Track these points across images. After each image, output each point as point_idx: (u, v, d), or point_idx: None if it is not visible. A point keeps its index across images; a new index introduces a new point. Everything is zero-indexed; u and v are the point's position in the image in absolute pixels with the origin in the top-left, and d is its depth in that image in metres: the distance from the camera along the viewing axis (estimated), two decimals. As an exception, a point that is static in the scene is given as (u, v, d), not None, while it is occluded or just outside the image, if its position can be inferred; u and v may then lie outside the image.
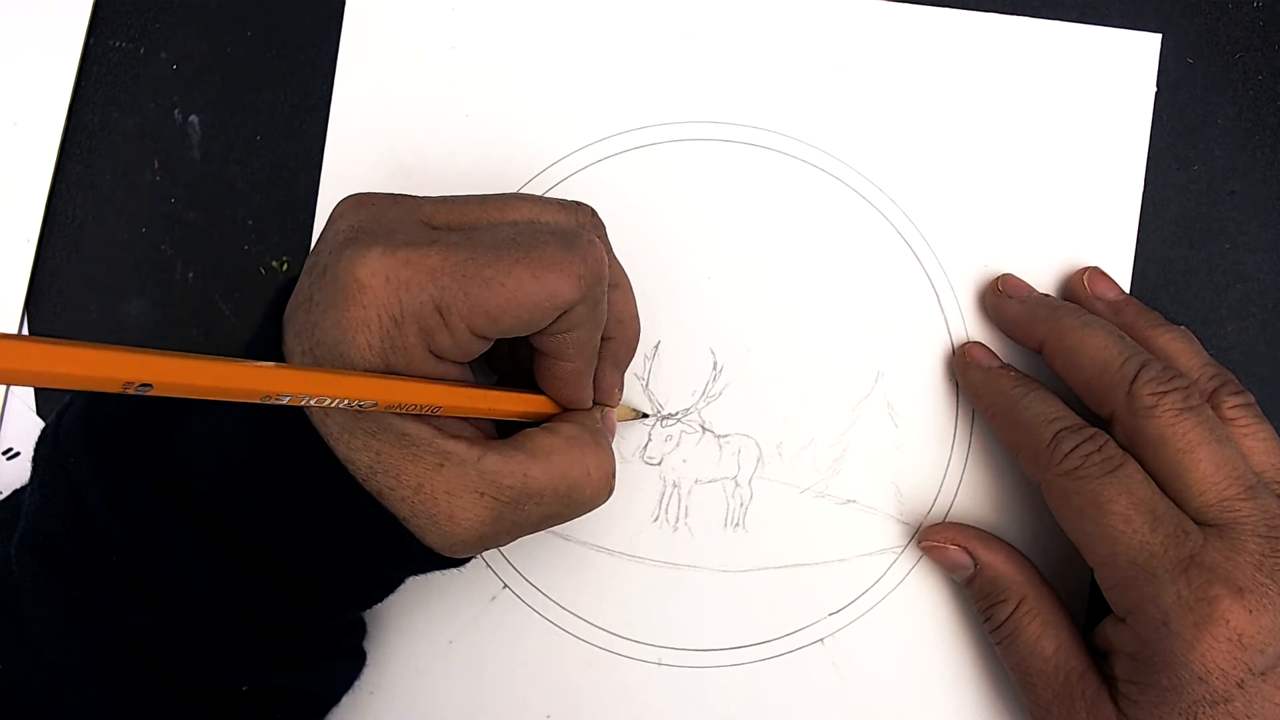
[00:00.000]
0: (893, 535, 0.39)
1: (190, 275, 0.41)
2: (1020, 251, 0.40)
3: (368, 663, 0.38)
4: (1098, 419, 0.35)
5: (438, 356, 0.29)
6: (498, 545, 0.32)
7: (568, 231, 0.30)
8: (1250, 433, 0.35)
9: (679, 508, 0.39)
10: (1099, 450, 0.33)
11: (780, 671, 0.38)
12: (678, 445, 0.39)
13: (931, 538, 0.38)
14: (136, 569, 0.30)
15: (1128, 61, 0.41)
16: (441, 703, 0.38)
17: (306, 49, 0.42)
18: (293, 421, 0.29)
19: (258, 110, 0.42)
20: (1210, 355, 0.37)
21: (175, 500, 0.30)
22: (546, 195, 0.37)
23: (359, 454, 0.28)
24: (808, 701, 0.38)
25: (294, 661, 0.33)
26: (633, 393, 0.40)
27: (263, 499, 0.30)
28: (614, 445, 0.39)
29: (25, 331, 0.41)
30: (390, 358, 0.28)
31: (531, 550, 0.39)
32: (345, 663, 0.36)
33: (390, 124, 0.41)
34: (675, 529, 0.39)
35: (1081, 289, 0.39)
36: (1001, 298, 0.39)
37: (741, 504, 0.39)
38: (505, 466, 0.30)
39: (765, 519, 0.39)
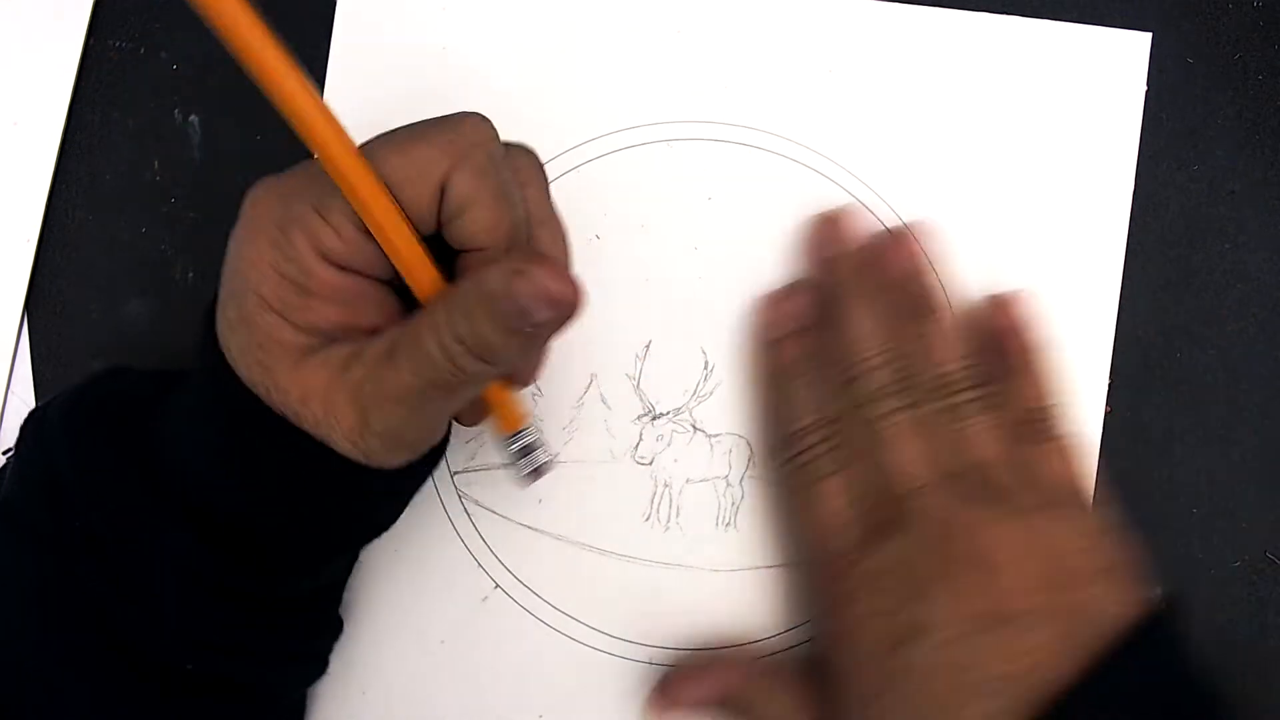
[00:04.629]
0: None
1: (190, 275, 0.41)
2: (1012, 249, 0.40)
3: (359, 662, 0.38)
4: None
5: (333, 263, 0.28)
6: (404, 441, 0.30)
7: (442, 117, 0.29)
8: (979, 427, 0.35)
9: (670, 507, 0.39)
10: (822, 456, 0.35)
11: (772, 672, 0.38)
12: (669, 445, 0.39)
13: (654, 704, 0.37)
14: (100, 538, 0.30)
15: (1119, 61, 0.41)
16: (433, 703, 0.39)
17: (306, 49, 0.42)
18: (219, 368, 0.29)
19: (258, 110, 0.42)
20: (1001, 338, 0.37)
21: (140, 469, 0.30)
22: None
23: (257, 374, 0.28)
24: (800, 703, 0.38)
25: (250, 653, 0.32)
26: (624, 392, 0.40)
27: (201, 449, 0.30)
28: (607, 447, 0.39)
29: (25, 332, 0.41)
30: (283, 267, 0.28)
31: (524, 550, 0.39)
32: (302, 668, 0.36)
33: (381, 124, 0.40)
34: (667, 528, 0.39)
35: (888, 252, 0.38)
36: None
37: (733, 503, 0.39)
38: (379, 356, 0.28)
39: (757, 518, 0.39)
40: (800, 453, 0.35)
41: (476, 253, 0.29)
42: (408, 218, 0.28)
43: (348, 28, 0.41)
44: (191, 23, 0.42)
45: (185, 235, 0.41)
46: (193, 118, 0.42)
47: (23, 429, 0.33)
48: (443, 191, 0.28)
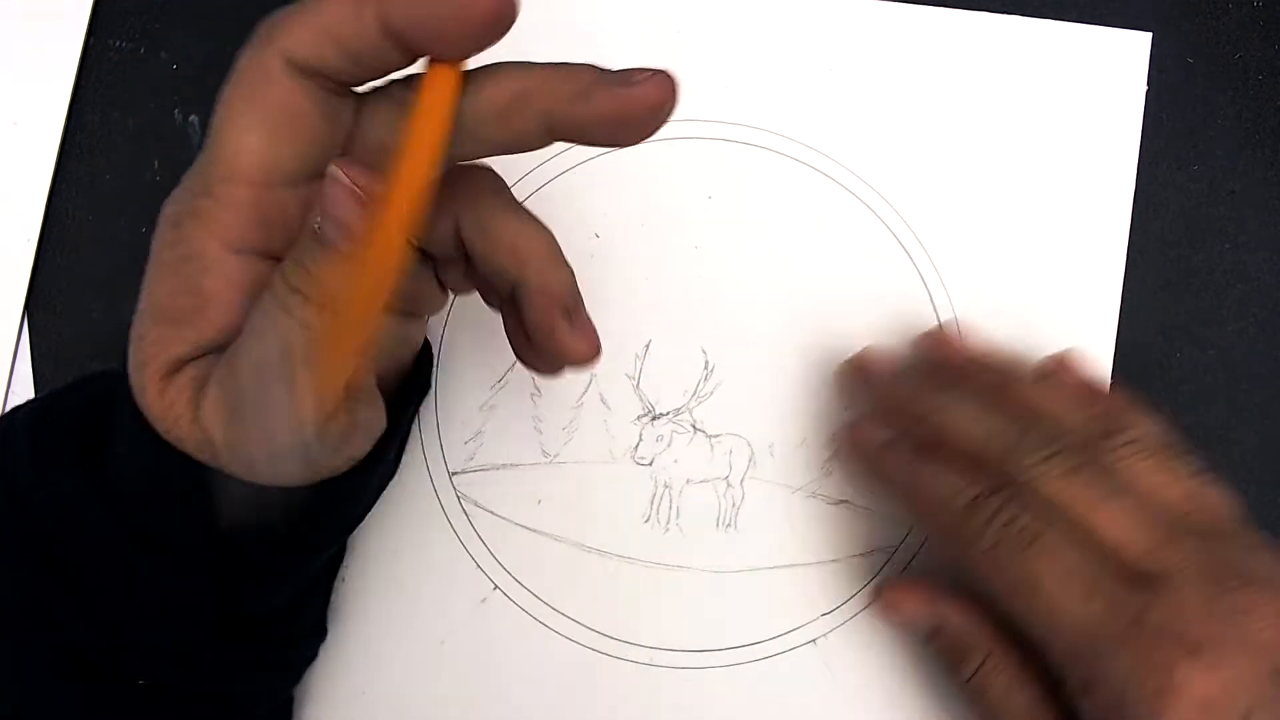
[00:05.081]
0: (885, 536, 0.39)
1: (190, 275, 0.41)
2: (1013, 249, 0.40)
3: (357, 663, 0.38)
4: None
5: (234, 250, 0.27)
6: (275, 429, 0.26)
7: None
8: (1146, 469, 0.32)
9: (670, 508, 0.39)
10: (1014, 521, 0.31)
11: (773, 672, 0.38)
12: (669, 445, 0.39)
13: (888, 598, 0.36)
14: (62, 555, 0.29)
15: (1119, 61, 0.41)
16: (432, 704, 0.38)
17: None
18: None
19: (256, 111, 0.42)
20: (1090, 387, 0.35)
21: (96, 484, 0.29)
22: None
23: (137, 396, 0.27)
24: (800, 702, 0.38)
25: (220, 665, 0.31)
26: (624, 392, 0.40)
27: (139, 468, 0.28)
28: (607, 447, 0.39)
29: (25, 332, 0.41)
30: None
31: (522, 552, 0.39)
32: (269, 676, 0.34)
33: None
34: (667, 530, 0.39)
35: (937, 352, 0.37)
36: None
37: (733, 504, 0.39)
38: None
39: (757, 519, 0.39)
40: (995, 516, 0.31)
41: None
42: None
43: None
44: (191, 23, 0.43)
45: (185, 235, 0.41)
46: (193, 118, 0.42)
47: None
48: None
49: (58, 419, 0.30)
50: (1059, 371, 0.36)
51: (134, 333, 0.27)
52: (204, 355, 0.27)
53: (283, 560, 0.31)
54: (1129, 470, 0.32)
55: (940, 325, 0.38)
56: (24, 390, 0.41)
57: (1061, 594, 0.30)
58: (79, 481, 0.29)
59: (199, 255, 0.26)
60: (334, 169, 0.24)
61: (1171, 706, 0.28)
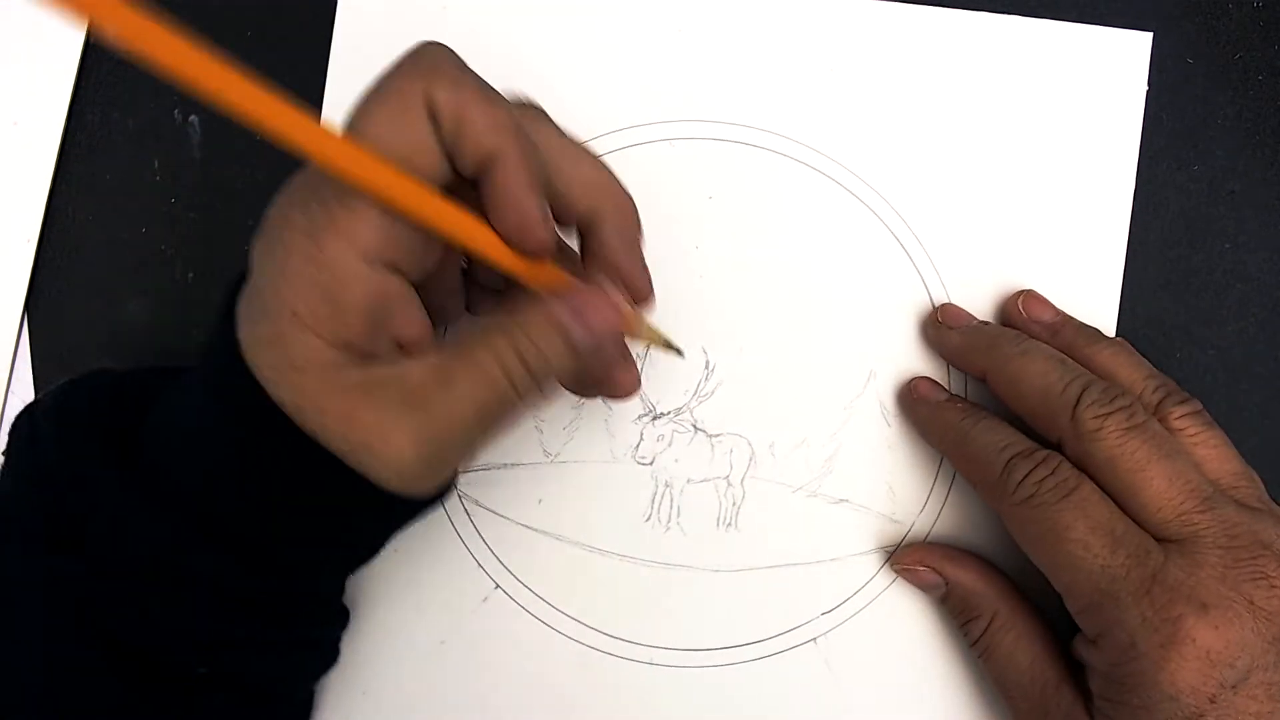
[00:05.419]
0: (885, 534, 0.39)
1: (190, 275, 0.41)
2: (1013, 249, 0.40)
3: (359, 663, 0.38)
4: (1048, 443, 0.35)
5: (370, 264, 0.28)
6: (446, 467, 0.30)
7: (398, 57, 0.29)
8: (1200, 441, 0.34)
9: (671, 507, 0.39)
10: (1052, 475, 0.33)
11: (773, 671, 0.38)
12: (670, 445, 0.39)
13: (902, 561, 0.38)
14: (98, 539, 0.29)
15: (1120, 60, 0.41)
16: (433, 703, 0.38)
17: (306, 48, 0.42)
18: (238, 379, 0.28)
19: (257, 111, 0.42)
20: (1152, 365, 0.36)
21: (132, 470, 0.29)
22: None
23: (287, 393, 0.28)
24: (801, 701, 0.38)
25: (256, 647, 0.32)
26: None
27: (210, 457, 0.29)
28: (608, 447, 0.39)
29: (25, 332, 0.41)
30: (316, 277, 0.27)
31: (524, 550, 0.39)
32: (312, 655, 0.35)
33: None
34: (667, 529, 0.39)
35: (1017, 313, 0.38)
36: (941, 329, 0.39)
37: (734, 503, 0.39)
38: (422, 379, 0.28)
39: (757, 518, 0.39)
40: (1033, 471, 0.33)
41: (501, 190, 0.28)
42: (419, 173, 0.27)
43: (348, 28, 0.41)
44: (191, 23, 0.42)
45: (185, 235, 0.41)
46: (193, 118, 0.42)
47: (13, 429, 0.32)
48: (435, 121, 0.27)
49: (83, 414, 0.31)
50: (1126, 346, 0.37)
51: (269, 332, 0.28)
52: (354, 359, 0.28)
53: (345, 559, 0.33)
54: (1184, 438, 0.34)
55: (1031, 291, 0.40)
56: (24, 390, 0.41)
57: (1088, 545, 0.32)
58: (123, 476, 0.29)
59: (338, 266, 0.27)
60: (605, 282, 0.30)
61: (1176, 657, 0.30)
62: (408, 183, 0.27)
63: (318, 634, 0.35)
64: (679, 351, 0.37)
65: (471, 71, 0.29)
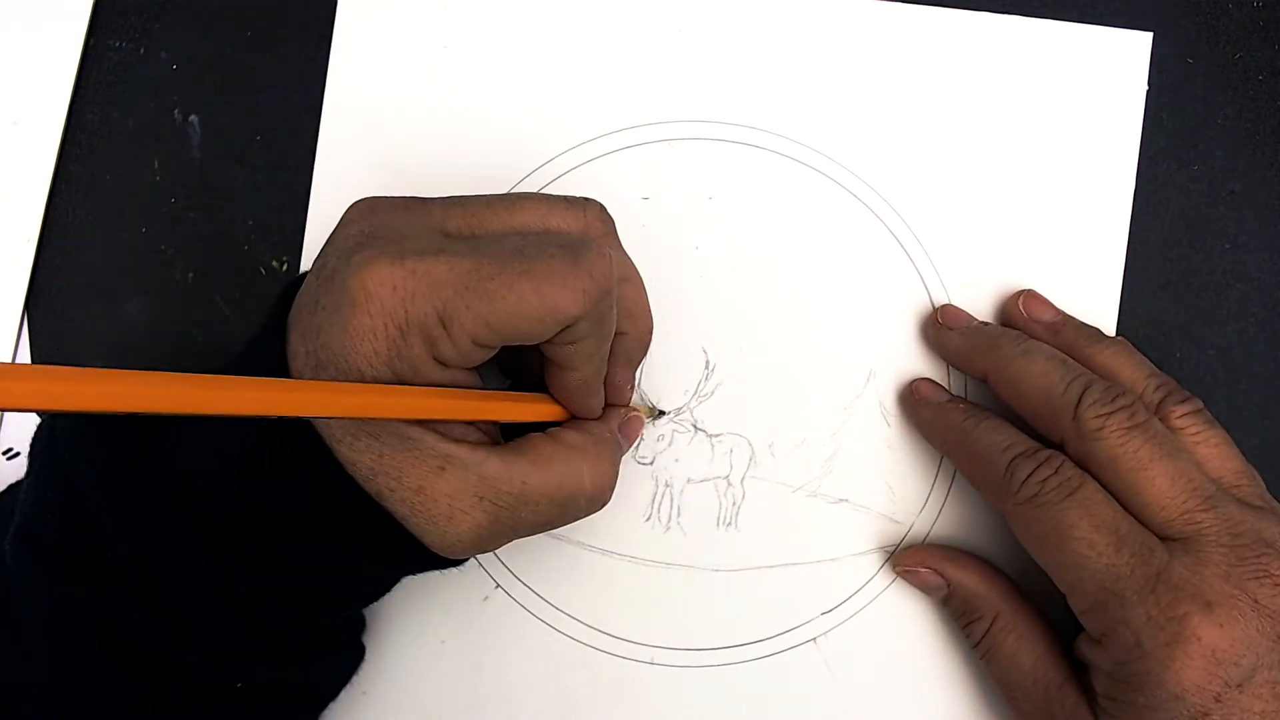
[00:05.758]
0: (885, 534, 0.39)
1: (190, 275, 0.41)
2: (1013, 250, 0.40)
3: (361, 663, 0.38)
4: (1050, 443, 0.35)
5: (443, 364, 0.29)
6: (494, 547, 0.32)
7: (576, 243, 0.29)
8: (1202, 440, 0.35)
9: (671, 507, 0.39)
10: (1055, 474, 0.33)
11: (773, 671, 0.38)
12: (670, 444, 0.39)
13: (904, 562, 0.38)
14: (132, 567, 0.30)
15: (1120, 60, 0.41)
16: (435, 703, 0.38)
17: (306, 48, 0.42)
18: (302, 436, 0.29)
19: (258, 110, 0.42)
20: (1153, 365, 0.36)
21: (171, 498, 0.30)
22: (554, 194, 0.36)
23: (361, 455, 0.29)
24: (800, 701, 0.38)
25: (289, 656, 0.33)
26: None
27: (261, 498, 0.30)
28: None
29: (25, 332, 0.41)
30: (396, 365, 0.28)
31: (525, 550, 0.39)
32: (342, 658, 0.36)
33: (382, 123, 0.41)
34: (668, 528, 0.39)
35: (1017, 313, 0.38)
36: (941, 330, 0.39)
37: (734, 503, 0.39)
38: (505, 472, 0.30)
39: (757, 518, 0.39)
40: (1036, 470, 0.33)
41: (581, 383, 0.33)
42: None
43: (348, 28, 0.41)
44: (191, 23, 0.43)
45: (185, 235, 0.41)
46: (193, 118, 0.42)
47: (33, 446, 0.32)
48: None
49: (104, 432, 0.31)
50: (1126, 345, 0.37)
51: None
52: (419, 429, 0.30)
53: (369, 593, 0.35)
54: (1186, 436, 0.34)
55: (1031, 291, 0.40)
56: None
57: (1092, 544, 0.32)
58: (155, 498, 0.30)
59: (416, 368, 0.28)
60: (641, 408, 0.38)
61: (1181, 656, 0.30)
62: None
63: (343, 637, 0.36)
64: (662, 413, 0.39)
65: (612, 301, 0.31)
